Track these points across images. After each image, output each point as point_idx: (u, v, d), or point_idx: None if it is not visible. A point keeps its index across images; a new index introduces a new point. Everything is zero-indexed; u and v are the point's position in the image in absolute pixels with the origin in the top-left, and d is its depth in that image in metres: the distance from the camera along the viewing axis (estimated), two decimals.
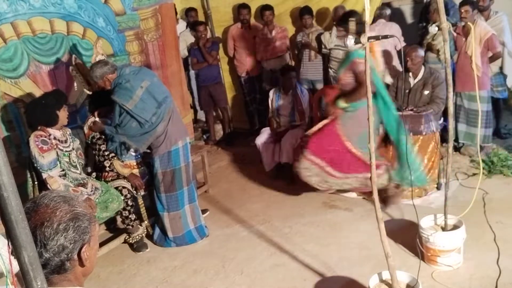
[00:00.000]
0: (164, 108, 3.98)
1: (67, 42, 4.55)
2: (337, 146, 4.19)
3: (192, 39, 6.70)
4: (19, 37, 4.14)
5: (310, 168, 4.26)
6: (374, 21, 5.97)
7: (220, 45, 6.96)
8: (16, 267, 1.05)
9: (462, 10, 5.07)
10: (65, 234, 1.28)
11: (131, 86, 3.85)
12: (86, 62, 4.53)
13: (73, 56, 4.38)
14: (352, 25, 3.92)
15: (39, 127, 3.69)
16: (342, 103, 4.09)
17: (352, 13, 4.28)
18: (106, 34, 4.94)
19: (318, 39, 6.10)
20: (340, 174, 4.24)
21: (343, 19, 4.08)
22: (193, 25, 6.71)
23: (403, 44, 5.84)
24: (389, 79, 5.68)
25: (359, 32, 3.87)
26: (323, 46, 6.04)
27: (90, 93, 4.32)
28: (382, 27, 5.89)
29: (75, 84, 4.41)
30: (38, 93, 4.17)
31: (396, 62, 5.89)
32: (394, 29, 5.86)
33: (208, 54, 6.54)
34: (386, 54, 5.91)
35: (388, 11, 6.16)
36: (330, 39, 5.93)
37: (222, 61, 7.15)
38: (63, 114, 3.77)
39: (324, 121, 4.34)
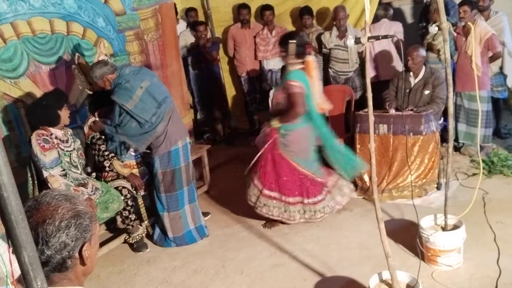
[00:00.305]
0: (164, 108, 3.98)
1: (67, 42, 4.54)
2: (289, 173, 4.16)
3: (192, 39, 6.70)
4: (19, 37, 4.13)
5: (268, 203, 4.22)
6: (377, 20, 5.99)
7: (220, 45, 6.97)
8: (17, 271, 1.05)
9: (461, 10, 5.07)
10: (67, 232, 1.28)
11: (131, 86, 3.85)
12: (87, 62, 4.53)
13: (76, 54, 4.37)
14: (292, 47, 3.92)
15: (40, 127, 3.69)
16: (275, 123, 4.08)
17: (292, 34, 4.25)
18: (106, 34, 4.93)
19: (318, 39, 6.11)
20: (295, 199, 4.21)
21: (283, 41, 4.03)
22: (193, 25, 6.71)
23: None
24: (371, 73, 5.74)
25: (299, 53, 3.96)
26: (323, 46, 6.05)
27: (91, 92, 4.32)
28: (388, 26, 5.92)
29: (78, 83, 4.40)
30: (37, 93, 4.16)
31: (396, 62, 5.90)
32: (398, 28, 5.92)
33: (208, 54, 6.54)
34: (384, 54, 5.95)
35: (391, 11, 6.18)
36: (330, 39, 5.93)
37: (222, 61, 7.16)
38: (64, 114, 3.77)
39: (264, 151, 4.20)
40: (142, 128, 3.93)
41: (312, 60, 4.14)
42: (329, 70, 6.09)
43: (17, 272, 1.04)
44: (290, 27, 6.65)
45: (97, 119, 4.21)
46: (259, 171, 4.23)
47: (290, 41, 3.95)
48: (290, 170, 4.14)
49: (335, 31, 5.89)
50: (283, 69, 5.65)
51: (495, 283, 3.16)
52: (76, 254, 1.32)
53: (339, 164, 4.20)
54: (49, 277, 1.29)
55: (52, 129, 3.72)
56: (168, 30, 5.68)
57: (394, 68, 5.88)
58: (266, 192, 4.20)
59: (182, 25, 6.86)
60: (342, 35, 5.83)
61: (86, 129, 4.25)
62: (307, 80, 3.98)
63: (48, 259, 1.27)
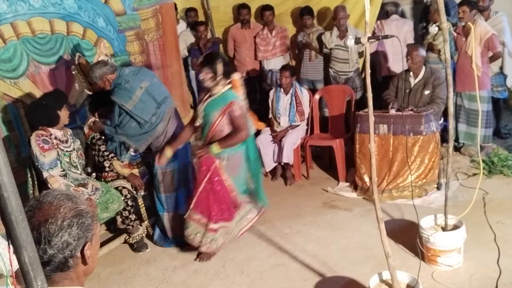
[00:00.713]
0: (163, 109, 3.98)
1: (67, 42, 4.55)
2: (227, 197, 3.89)
3: (192, 39, 6.70)
4: (19, 38, 4.13)
5: (215, 237, 3.89)
6: (388, 16, 6.01)
7: (220, 45, 6.96)
8: (16, 266, 1.05)
9: (460, 11, 5.07)
10: (70, 231, 1.29)
11: (131, 86, 3.86)
12: (87, 62, 4.53)
13: (77, 54, 4.37)
14: (219, 66, 3.66)
15: (40, 127, 3.69)
16: (215, 148, 3.72)
17: (215, 54, 3.92)
18: (107, 34, 4.93)
19: (319, 39, 6.11)
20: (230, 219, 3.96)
21: (208, 62, 3.70)
22: (193, 25, 6.71)
23: (410, 41, 5.91)
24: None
25: (227, 73, 3.73)
26: (323, 46, 6.05)
27: (91, 93, 4.32)
28: (400, 23, 6.01)
29: (76, 84, 4.40)
30: (37, 93, 4.16)
31: (395, 62, 5.91)
32: (410, 26, 6.03)
33: None
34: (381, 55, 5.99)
35: (400, 8, 6.26)
36: (331, 39, 5.93)
37: None
38: (64, 114, 3.78)
39: (204, 183, 3.82)
40: (141, 129, 3.93)
41: (238, 77, 3.91)
42: (330, 70, 6.09)
43: (16, 266, 1.04)
44: (291, 27, 6.65)
45: (97, 119, 4.22)
46: (201, 205, 3.85)
47: (217, 61, 3.70)
48: (227, 194, 3.87)
49: (335, 31, 5.89)
50: (281, 68, 5.67)
51: (495, 283, 3.16)
52: (78, 254, 1.32)
53: (258, 188, 4.05)
54: (51, 277, 1.30)
55: (51, 130, 3.72)
56: (169, 30, 5.69)
57: (389, 69, 5.96)
58: (212, 226, 3.85)
59: (182, 25, 6.85)
60: (343, 35, 5.83)
61: (86, 129, 4.25)
62: (242, 100, 3.81)
63: (51, 258, 1.27)
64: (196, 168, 3.96)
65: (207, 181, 3.79)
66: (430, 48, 5.48)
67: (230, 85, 3.79)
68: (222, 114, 3.73)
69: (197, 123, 3.93)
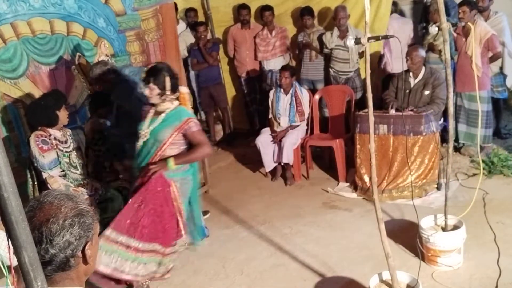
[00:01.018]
0: None
1: (67, 42, 4.55)
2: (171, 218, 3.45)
3: (192, 40, 6.71)
4: (19, 38, 4.14)
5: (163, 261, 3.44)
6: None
7: (220, 45, 6.97)
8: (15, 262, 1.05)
9: (460, 11, 5.08)
10: (71, 230, 1.29)
11: (130, 86, 3.86)
12: (88, 62, 4.53)
13: (77, 54, 4.37)
14: (167, 80, 3.34)
15: (39, 128, 3.70)
16: (171, 163, 3.36)
17: (160, 67, 3.45)
18: (107, 34, 4.93)
19: (320, 39, 6.11)
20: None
21: (153, 74, 3.34)
22: (193, 26, 6.71)
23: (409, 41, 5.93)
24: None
25: (175, 87, 3.42)
26: (324, 46, 6.05)
27: (91, 93, 4.33)
28: (401, 21, 6.06)
29: (76, 84, 4.41)
30: (37, 93, 4.17)
31: (393, 61, 5.92)
32: (411, 25, 6.09)
33: (208, 54, 6.55)
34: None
35: (399, 6, 6.34)
36: (331, 39, 5.93)
37: (222, 62, 7.16)
38: (63, 114, 3.77)
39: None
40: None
41: (186, 91, 3.68)
42: (330, 70, 6.09)
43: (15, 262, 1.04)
44: (291, 27, 6.66)
45: (97, 119, 4.21)
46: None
47: (163, 73, 3.35)
48: (174, 219, 3.45)
49: (336, 31, 5.89)
50: (281, 68, 5.66)
51: (495, 283, 3.16)
52: (79, 253, 1.33)
53: (197, 219, 3.77)
54: (52, 277, 1.30)
55: (50, 130, 3.72)
56: (169, 31, 5.68)
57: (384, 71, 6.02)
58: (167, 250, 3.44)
59: (182, 26, 6.86)
60: (343, 35, 5.83)
61: (86, 129, 4.25)
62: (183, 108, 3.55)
63: (52, 258, 1.28)
64: (147, 186, 3.35)
65: (160, 204, 3.35)
66: (431, 48, 5.48)
67: (177, 101, 3.50)
68: (176, 132, 3.40)
69: (140, 142, 3.51)
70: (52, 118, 3.70)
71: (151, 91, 3.36)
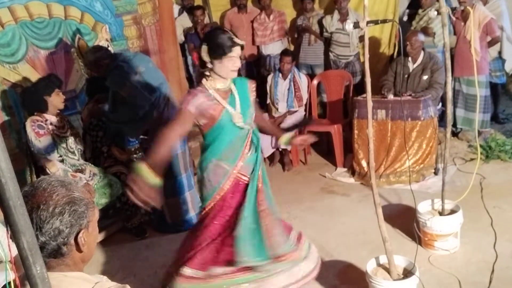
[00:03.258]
0: (159, 95, 3.96)
1: (65, 26, 4.51)
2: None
3: (189, 24, 6.64)
4: (17, 22, 4.10)
5: None
6: None
7: None
8: (14, 252, 1.05)
9: None
10: (61, 218, 1.28)
11: (126, 72, 3.83)
12: (87, 44, 4.50)
13: (77, 36, 4.34)
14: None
15: (35, 113, 3.69)
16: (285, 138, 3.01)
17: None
18: (104, 18, 4.89)
19: (320, 23, 6.07)
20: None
21: (236, 43, 2.57)
22: (190, 10, 6.64)
23: None
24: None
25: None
26: (324, 30, 6.01)
27: (88, 77, 4.30)
28: None
29: (76, 68, 4.38)
30: (36, 78, 4.14)
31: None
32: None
33: None
34: None
35: None
36: (331, 22, 5.89)
37: None
38: (56, 99, 3.74)
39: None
40: (136, 115, 3.91)
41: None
42: (330, 54, 6.06)
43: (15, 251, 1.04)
44: (291, 11, 6.60)
45: (95, 104, 4.20)
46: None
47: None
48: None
49: (336, 15, 5.84)
50: (281, 53, 5.61)
51: (492, 268, 3.19)
52: (72, 241, 1.31)
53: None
54: (46, 263, 1.29)
55: (46, 115, 3.71)
56: (165, 15, 5.64)
57: None
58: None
59: (175, 10, 6.78)
60: (343, 18, 5.78)
61: (83, 114, 4.23)
62: None
63: (43, 245, 1.27)
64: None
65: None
66: (425, 31, 5.43)
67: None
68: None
69: (238, 134, 2.75)
70: (40, 103, 3.67)
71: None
